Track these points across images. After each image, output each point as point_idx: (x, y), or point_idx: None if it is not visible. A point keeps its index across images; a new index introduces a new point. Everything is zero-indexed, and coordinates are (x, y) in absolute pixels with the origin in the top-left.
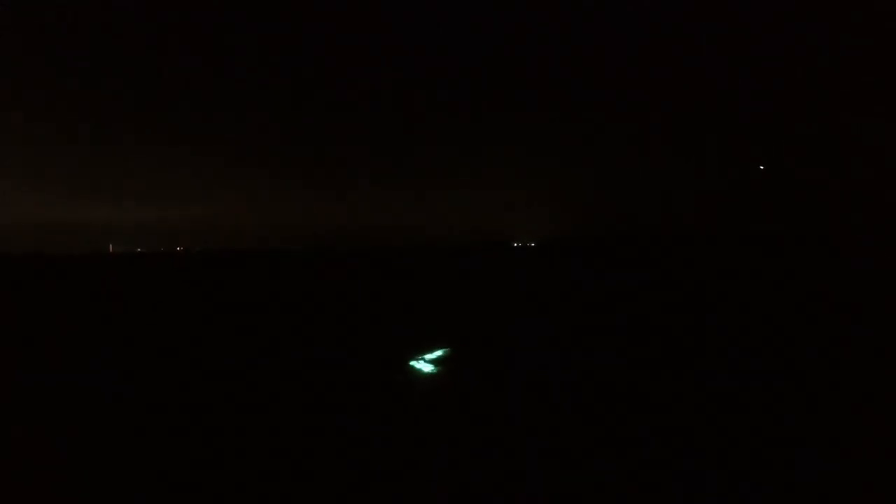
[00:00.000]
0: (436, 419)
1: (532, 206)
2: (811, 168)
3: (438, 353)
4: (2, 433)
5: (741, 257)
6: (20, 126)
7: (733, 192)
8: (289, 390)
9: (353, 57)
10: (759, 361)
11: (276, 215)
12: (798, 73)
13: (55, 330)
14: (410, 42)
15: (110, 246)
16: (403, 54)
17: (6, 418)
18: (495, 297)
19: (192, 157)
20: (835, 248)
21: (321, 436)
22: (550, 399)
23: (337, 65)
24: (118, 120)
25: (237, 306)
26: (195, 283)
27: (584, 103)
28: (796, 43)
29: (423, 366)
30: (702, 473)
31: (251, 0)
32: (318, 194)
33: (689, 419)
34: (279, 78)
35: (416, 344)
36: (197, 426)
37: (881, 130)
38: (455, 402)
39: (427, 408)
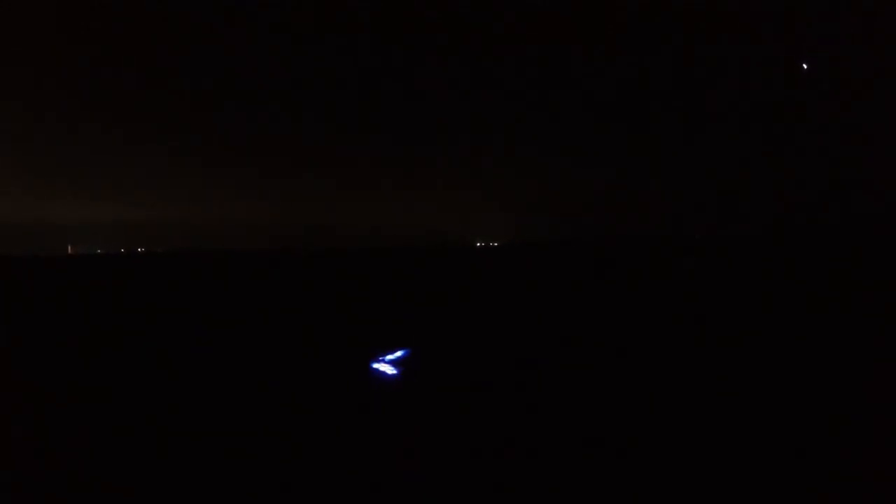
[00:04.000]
0: (397, 421)
1: (495, 207)
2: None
3: (399, 354)
4: None
5: (712, 260)
6: None
7: (706, 195)
8: (248, 393)
9: (309, 47)
10: (714, 374)
11: (238, 216)
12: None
13: (7, 336)
14: (373, 31)
15: (69, 247)
16: (365, 45)
17: None
18: (457, 297)
19: (154, 155)
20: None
21: (281, 438)
22: (512, 400)
23: (293, 56)
24: (79, 115)
25: (195, 308)
26: (156, 285)
27: (546, 104)
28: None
29: (385, 367)
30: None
31: None
32: (280, 193)
33: (648, 424)
34: (239, 74)
35: (377, 345)
36: (149, 433)
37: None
38: (417, 403)
39: (388, 409)
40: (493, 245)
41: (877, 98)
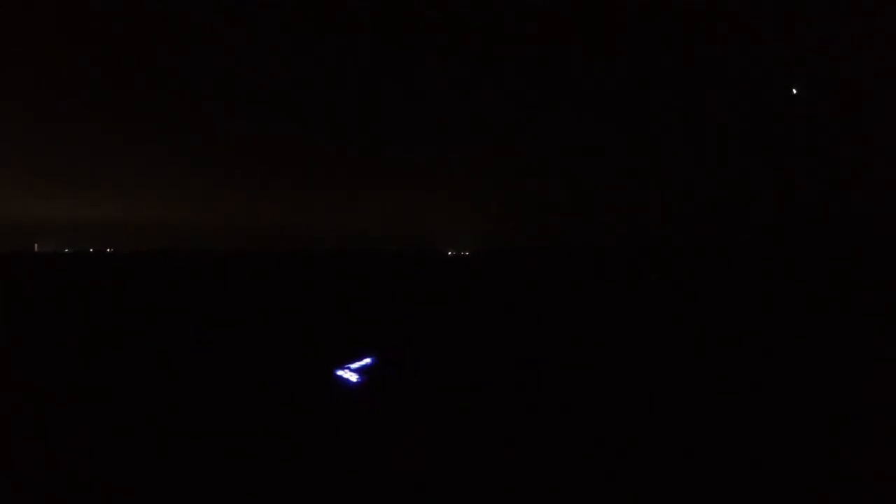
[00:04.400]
0: (362, 430)
1: (468, 215)
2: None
3: (364, 362)
4: None
5: (691, 265)
6: None
7: (679, 201)
8: (207, 402)
9: (278, 49)
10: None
11: (206, 217)
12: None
13: None
14: (351, 31)
15: (35, 245)
16: (334, 48)
17: None
18: (426, 305)
19: (124, 154)
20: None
21: (241, 448)
22: (479, 408)
23: (261, 57)
24: (48, 107)
25: (159, 310)
26: (121, 285)
27: (517, 114)
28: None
29: (349, 375)
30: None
31: None
32: (248, 194)
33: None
34: (211, 75)
35: (342, 353)
36: (105, 441)
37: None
38: (382, 412)
39: (352, 418)
40: (464, 254)
41: (877, 100)
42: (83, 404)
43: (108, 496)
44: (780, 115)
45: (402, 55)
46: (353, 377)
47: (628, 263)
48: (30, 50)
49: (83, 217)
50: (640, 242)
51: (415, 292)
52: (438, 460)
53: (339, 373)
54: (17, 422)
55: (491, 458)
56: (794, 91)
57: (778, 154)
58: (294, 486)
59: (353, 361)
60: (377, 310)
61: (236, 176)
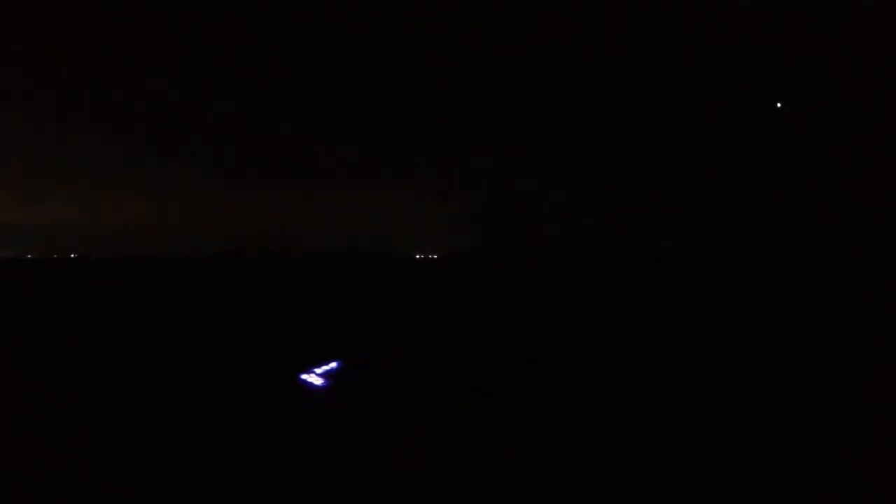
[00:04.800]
0: (327, 435)
1: (438, 218)
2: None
3: (330, 366)
4: None
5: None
6: None
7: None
8: (171, 407)
9: (237, 48)
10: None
11: (171, 219)
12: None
13: None
14: (317, 33)
15: None
16: (294, 50)
17: None
18: (392, 308)
19: (80, 155)
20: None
21: (203, 453)
22: (443, 412)
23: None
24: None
25: (112, 315)
26: (85, 290)
27: (485, 118)
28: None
29: (314, 379)
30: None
31: None
32: (214, 198)
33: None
34: (157, 76)
35: (307, 357)
36: (60, 446)
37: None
38: (347, 417)
39: (317, 423)
40: (432, 257)
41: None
42: (45, 405)
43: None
44: (775, 117)
45: (376, 59)
46: (318, 381)
47: (599, 266)
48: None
49: (42, 221)
50: (611, 244)
51: (381, 295)
52: (402, 464)
53: (304, 377)
54: None
55: (455, 462)
56: (779, 105)
57: (769, 155)
58: (258, 489)
59: (318, 366)
60: (343, 313)
61: (203, 180)
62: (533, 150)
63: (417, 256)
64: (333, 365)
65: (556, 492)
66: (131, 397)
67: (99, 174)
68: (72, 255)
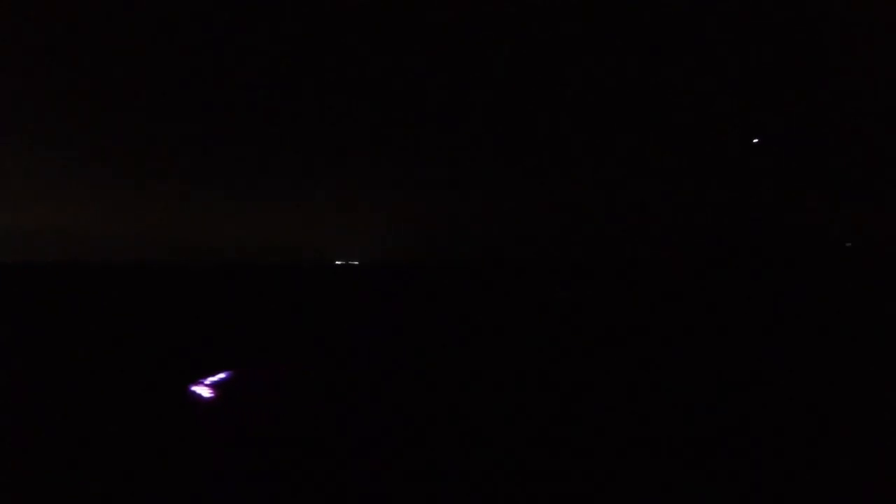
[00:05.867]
0: (216, 449)
1: (358, 224)
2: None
3: (220, 376)
4: None
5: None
6: None
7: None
8: (57, 420)
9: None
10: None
11: (78, 222)
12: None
13: None
14: (228, 35)
15: None
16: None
17: None
18: (296, 316)
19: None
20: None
21: (92, 463)
22: (338, 424)
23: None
24: None
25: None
26: None
27: (406, 123)
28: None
29: (202, 390)
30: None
31: None
32: (126, 200)
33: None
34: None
35: (202, 367)
36: None
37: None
38: (239, 431)
39: (206, 437)
40: (352, 263)
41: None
42: None
43: None
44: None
45: (293, 63)
46: (206, 392)
47: (522, 273)
48: None
49: None
50: (531, 254)
51: (291, 302)
52: (292, 479)
53: (194, 388)
54: None
55: (346, 471)
56: (755, 140)
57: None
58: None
59: (209, 376)
60: (243, 322)
61: (114, 181)
62: (457, 157)
63: (337, 263)
64: (223, 375)
65: None
66: (8, 416)
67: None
68: None
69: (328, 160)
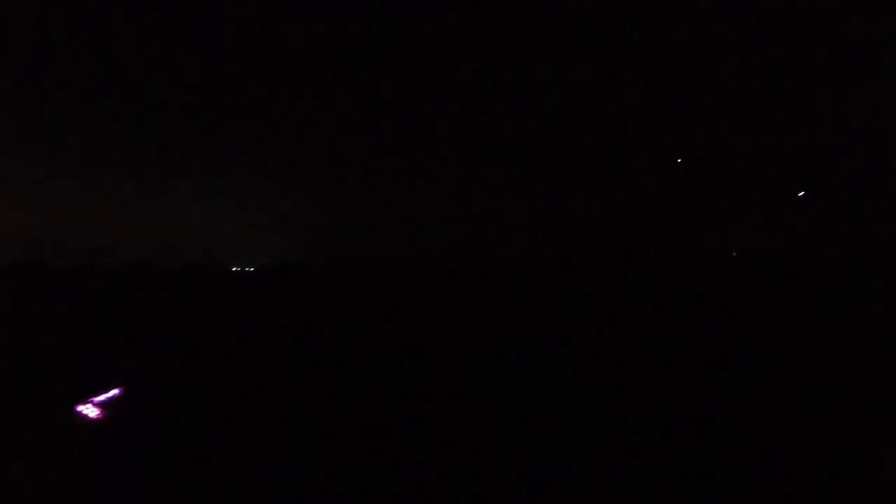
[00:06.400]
0: (102, 471)
1: (254, 229)
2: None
3: (109, 394)
4: None
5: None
6: None
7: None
8: None
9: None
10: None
11: None
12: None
13: None
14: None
15: None
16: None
17: None
18: (185, 327)
19: None
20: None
21: None
22: (226, 441)
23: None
24: None
25: None
26: None
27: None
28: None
29: (90, 410)
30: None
31: None
32: (17, 198)
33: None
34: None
35: (83, 384)
36: None
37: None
38: (128, 452)
39: (92, 458)
40: (248, 269)
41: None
42: None
43: None
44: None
45: (183, 62)
46: (94, 412)
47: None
48: None
49: None
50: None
51: (180, 310)
52: (185, 499)
53: (80, 408)
54: None
55: (242, 489)
56: (679, 160)
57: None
58: None
59: (98, 394)
60: (134, 331)
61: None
62: (360, 157)
63: (234, 269)
64: (113, 392)
65: None
66: None
67: None
68: None
69: (223, 162)
